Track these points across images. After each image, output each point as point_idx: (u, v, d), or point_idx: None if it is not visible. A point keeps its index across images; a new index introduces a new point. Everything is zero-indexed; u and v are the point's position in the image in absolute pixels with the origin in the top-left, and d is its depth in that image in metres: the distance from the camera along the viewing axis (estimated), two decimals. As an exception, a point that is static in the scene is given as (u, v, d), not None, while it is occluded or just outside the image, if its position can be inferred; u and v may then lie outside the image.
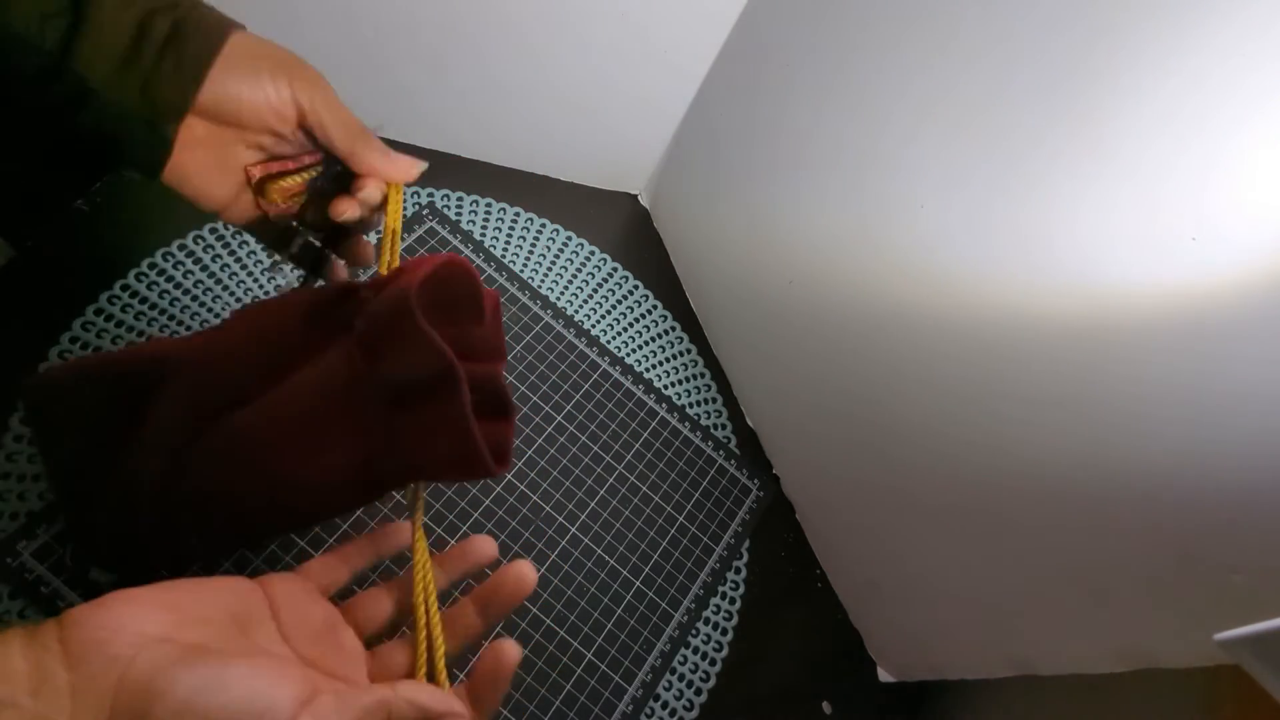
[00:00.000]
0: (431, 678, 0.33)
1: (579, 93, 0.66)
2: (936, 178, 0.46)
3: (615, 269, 0.70)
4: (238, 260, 0.57)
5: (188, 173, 0.37)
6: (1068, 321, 0.41)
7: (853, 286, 0.54)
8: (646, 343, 0.67)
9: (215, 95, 0.35)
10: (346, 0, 0.58)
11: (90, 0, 0.32)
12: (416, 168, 0.42)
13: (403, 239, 0.60)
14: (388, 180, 0.41)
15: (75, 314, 0.51)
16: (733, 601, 0.59)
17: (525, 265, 0.66)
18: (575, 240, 0.70)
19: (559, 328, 0.64)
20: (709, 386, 0.68)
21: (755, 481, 0.64)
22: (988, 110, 0.43)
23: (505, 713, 0.49)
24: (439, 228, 0.64)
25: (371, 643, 0.35)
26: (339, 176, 0.41)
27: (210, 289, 0.55)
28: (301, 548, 0.49)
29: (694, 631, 0.57)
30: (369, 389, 0.36)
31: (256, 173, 0.39)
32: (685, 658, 0.56)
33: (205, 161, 0.37)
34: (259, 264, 0.57)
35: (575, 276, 0.68)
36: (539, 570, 0.54)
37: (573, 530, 0.56)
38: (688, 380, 0.67)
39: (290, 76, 0.37)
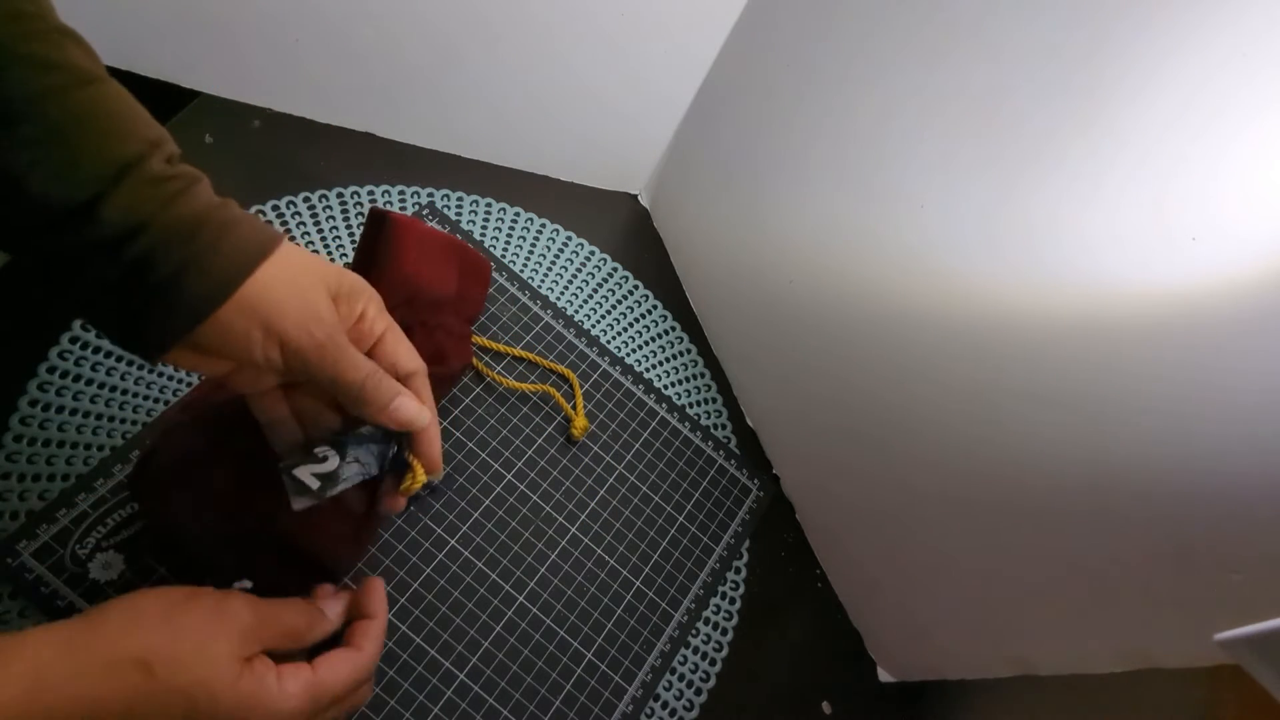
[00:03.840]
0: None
1: (579, 93, 0.66)
2: (937, 177, 0.46)
3: (615, 269, 0.70)
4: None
5: (179, 363, 0.35)
6: (1068, 321, 0.41)
7: (853, 286, 0.54)
8: (646, 343, 0.67)
9: (201, 340, 0.33)
10: (346, 1, 0.58)
11: (92, 218, 0.30)
12: (420, 419, 0.38)
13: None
14: (396, 428, 0.38)
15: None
16: (733, 601, 0.59)
17: (525, 265, 0.66)
18: (575, 240, 0.70)
19: (559, 328, 0.64)
20: (709, 386, 0.68)
21: (755, 481, 0.64)
22: (990, 110, 0.43)
23: (505, 712, 0.49)
24: (438, 228, 0.64)
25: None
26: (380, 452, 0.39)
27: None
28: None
29: (694, 631, 0.57)
30: None
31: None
32: (685, 658, 0.56)
33: (198, 358, 0.35)
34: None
35: (575, 276, 0.68)
36: (539, 570, 0.54)
37: (573, 530, 0.56)
38: (688, 380, 0.67)
39: (284, 346, 0.34)
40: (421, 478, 0.39)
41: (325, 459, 0.38)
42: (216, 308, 0.32)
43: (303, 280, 0.35)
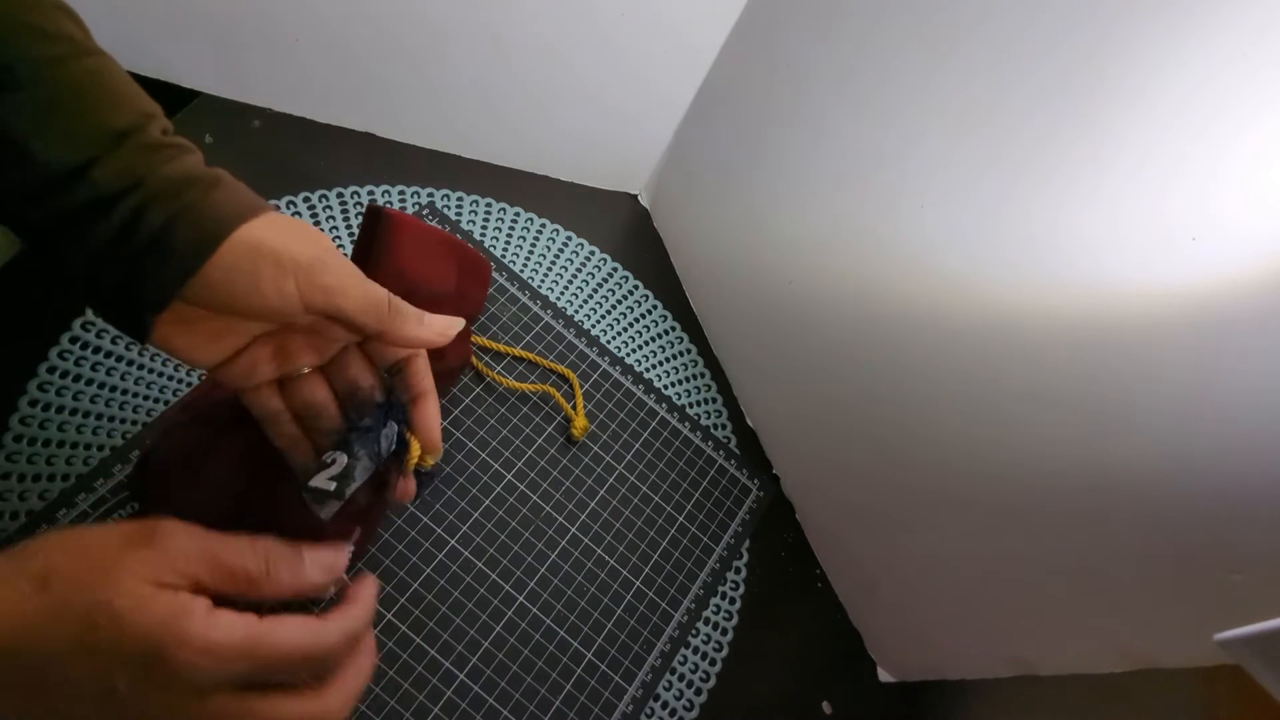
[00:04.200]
0: None
1: (579, 93, 0.66)
2: (937, 177, 0.46)
3: (615, 269, 0.70)
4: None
5: (173, 345, 0.34)
6: (1068, 321, 0.41)
7: (853, 286, 0.54)
8: (646, 343, 0.67)
9: (205, 292, 0.32)
10: (346, 1, 0.58)
11: (87, 179, 0.30)
12: (454, 327, 0.38)
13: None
14: (428, 347, 0.38)
15: (76, 313, 0.51)
16: (733, 601, 0.59)
17: (525, 265, 0.66)
18: (575, 240, 0.70)
19: (559, 328, 0.64)
20: (709, 386, 0.68)
21: (755, 481, 0.64)
22: (990, 110, 0.43)
23: (505, 712, 0.49)
24: (438, 227, 0.64)
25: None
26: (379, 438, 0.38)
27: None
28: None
29: (694, 631, 0.57)
30: None
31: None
32: (685, 658, 0.56)
33: (193, 337, 0.34)
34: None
35: (575, 276, 0.68)
36: (539, 570, 0.54)
37: (573, 530, 0.56)
38: (688, 380, 0.67)
39: (298, 275, 0.33)
40: (416, 450, 0.39)
41: (334, 461, 0.37)
42: (211, 252, 0.31)
43: (303, 228, 0.34)
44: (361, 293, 0.34)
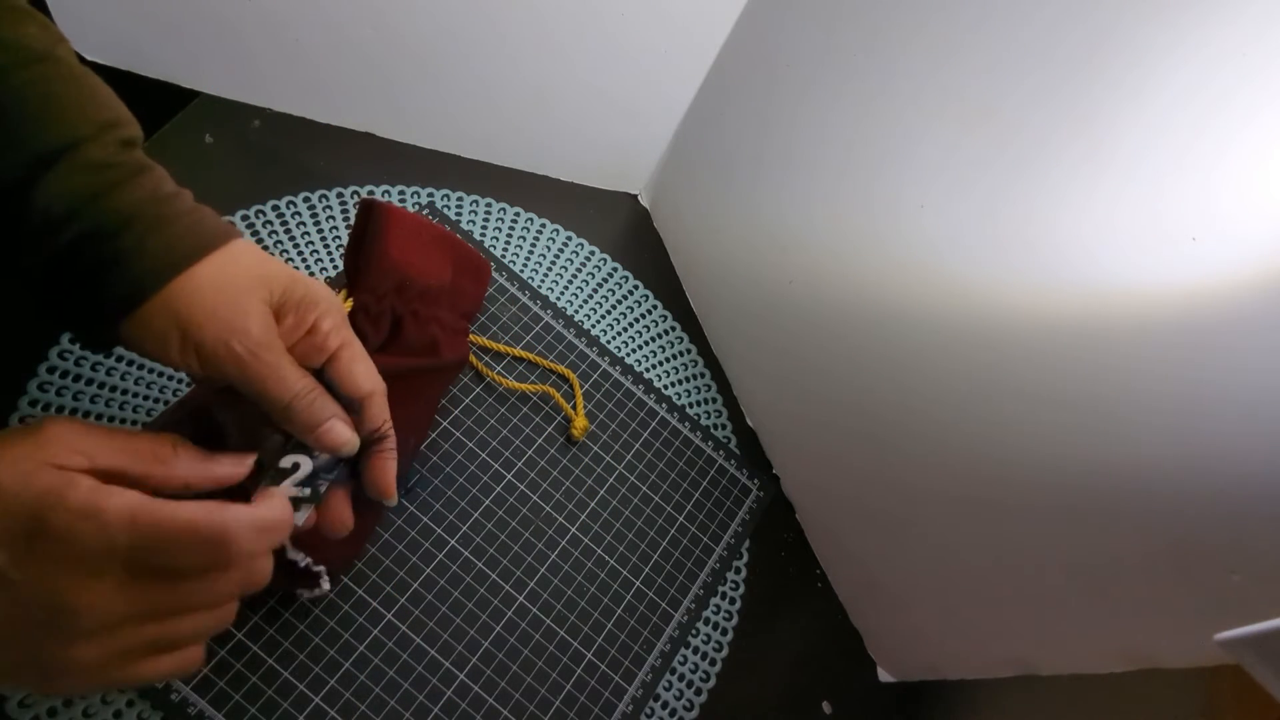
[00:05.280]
0: None
1: (579, 93, 0.66)
2: (938, 177, 0.46)
3: (615, 269, 0.70)
4: (238, 260, 0.57)
5: (124, 338, 0.33)
6: (1068, 321, 0.41)
7: (853, 286, 0.54)
8: (646, 343, 0.67)
9: (124, 334, 0.32)
10: (346, 1, 0.58)
11: (28, 200, 0.29)
12: (348, 447, 0.37)
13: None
14: (320, 449, 0.37)
15: (75, 314, 0.51)
16: (733, 601, 0.59)
17: (525, 265, 0.66)
18: (575, 240, 0.70)
19: (559, 328, 0.64)
20: (709, 386, 0.68)
21: (755, 481, 0.64)
22: (990, 110, 0.43)
23: (505, 712, 0.49)
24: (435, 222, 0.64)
25: None
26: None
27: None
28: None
29: (694, 631, 0.57)
30: None
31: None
32: (685, 658, 0.56)
33: (144, 335, 0.33)
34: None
35: (575, 276, 0.68)
36: (539, 570, 0.54)
37: (573, 530, 0.56)
38: (688, 380, 0.67)
39: (200, 353, 0.32)
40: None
41: (298, 466, 0.36)
42: (133, 309, 0.31)
43: (238, 286, 0.33)
44: (261, 390, 0.33)
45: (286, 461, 0.36)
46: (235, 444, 0.37)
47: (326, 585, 0.43)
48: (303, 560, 0.41)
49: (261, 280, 0.34)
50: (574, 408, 0.60)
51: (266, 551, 0.32)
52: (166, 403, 0.50)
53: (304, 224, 0.60)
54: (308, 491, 0.36)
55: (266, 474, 0.36)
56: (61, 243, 0.30)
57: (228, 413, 0.38)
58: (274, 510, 0.33)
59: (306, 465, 0.36)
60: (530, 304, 0.64)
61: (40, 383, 0.48)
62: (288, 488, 0.35)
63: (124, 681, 0.30)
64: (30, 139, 0.30)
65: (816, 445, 0.61)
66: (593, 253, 0.70)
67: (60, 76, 0.31)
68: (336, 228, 0.61)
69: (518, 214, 0.69)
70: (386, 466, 0.38)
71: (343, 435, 0.36)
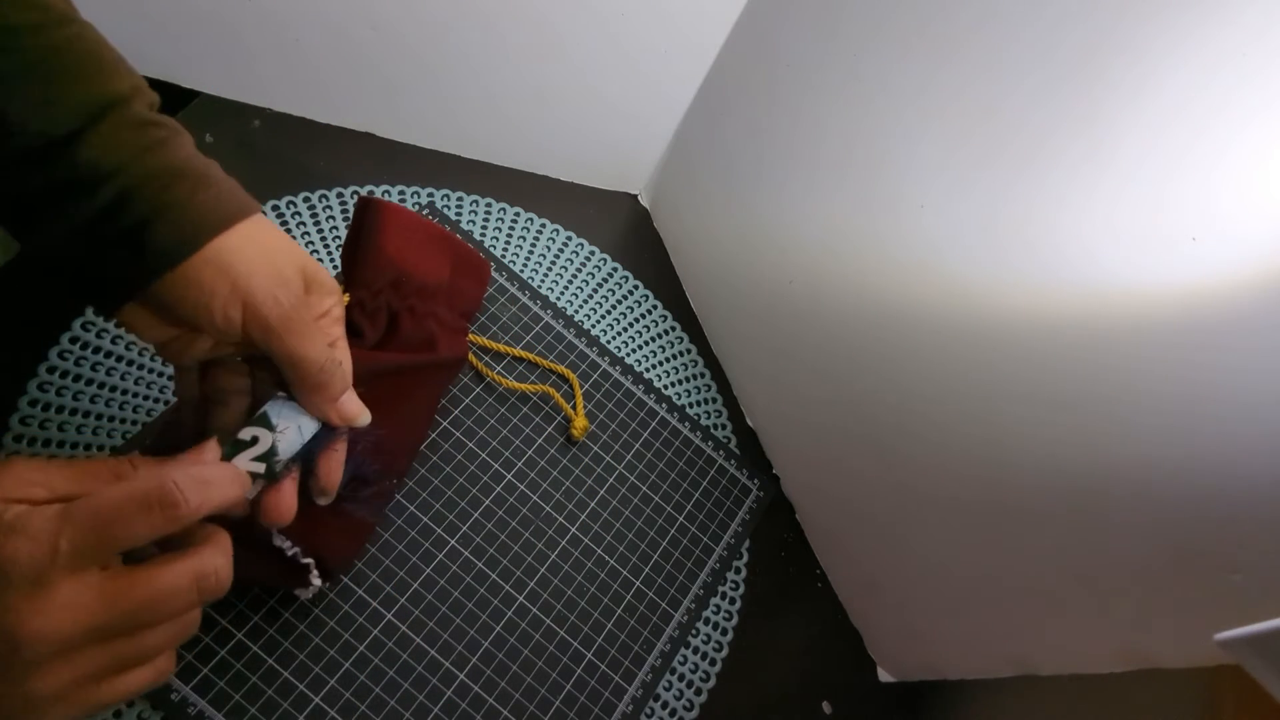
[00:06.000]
0: None
1: (579, 92, 0.66)
2: (938, 178, 0.46)
3: (615, 269, 0.70)
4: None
5: (125, 319, 0.33)
6: (1068, 321, 0.41)
7: (853, 286, 0.54)
8: (646, 343, 0.67)
9: (160, 293, 0.31)
10: (346, 1, 0.58)
11: (68, 156, 0.29)
12: (360, 418, 0.38)
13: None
14: (327, 421, 0.37)
15: (76, 313, 0.51)
16: (733, 601, 0.59)
17: (525, 265, 0.66)
18: (575, 240, 0.70)
19: (559, 328, 0.64)
20: (709, 386, 0.68)
21: (755, 481, 0.64)
22: (990, 110, 0.43)
23: (505, 712, 0.49)
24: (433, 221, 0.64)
25: None
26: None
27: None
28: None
29: (694, 631, 0.57)
30: None
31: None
32: (685, 658, 0.56)
33: (145, 315, 0.33)
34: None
35: (575, 276, 0.68)
36: (539, 570, 0.54)
37: (573, 530, 0.56)
38: (688, 380, 0.67)
39: (247, 304, 0.32)
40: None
41: (256, 439, 0.35)
42: (185, 258, 0.31)
43: (277, 249, 0.34)
44: (297, 348, 0.33)
45: (245, 434, 0.35)
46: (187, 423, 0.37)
47: (317, 581, 0.43)
48: (290, 549, 0.41)
49: (295, 253, 0.35)
50: (574, 408, 0.60)
51: (214, 509, 0.30)
52: (167, 403, 0.50)
53: (304, 224, 0.60)
54: (263, 468, 0.34)
55: (224, 445, 0.34)
56: (104, 198, 0.30)
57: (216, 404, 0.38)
58: (213, 467, 0.32)
59: (266, 439, 0.35)
60: (530, 304, 0.64)
61: (40, 383, 0.48)
62: (244, 460, 0.34)
63: (97, 706, 0.28)
64: (75, 93, 0.30)
65: (816, 445, 0.61)
66: (593, 253, 0.70)
67: (92, 38, 0.31)
68: (336, 228, 0.61)
69: (518, 214, 0.69)
70: (335, 465, 0.39)
71: (358, 407, 0.37)
